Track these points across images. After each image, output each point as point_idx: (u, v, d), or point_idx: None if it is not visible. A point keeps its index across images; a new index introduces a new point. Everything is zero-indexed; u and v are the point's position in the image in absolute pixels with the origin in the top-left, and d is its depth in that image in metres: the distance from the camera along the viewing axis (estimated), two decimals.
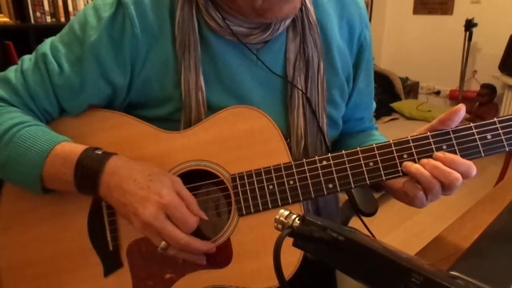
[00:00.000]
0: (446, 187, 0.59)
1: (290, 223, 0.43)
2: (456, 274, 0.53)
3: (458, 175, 0.57)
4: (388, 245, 0.41)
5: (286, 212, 0.44)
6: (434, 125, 0.62)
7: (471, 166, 0.58)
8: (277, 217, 0.44)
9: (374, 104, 0.90)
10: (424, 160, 0.60)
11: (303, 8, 0.71)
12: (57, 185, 0.63)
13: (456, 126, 0.61)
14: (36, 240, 0.67)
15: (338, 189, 0.63)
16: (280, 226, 0.44)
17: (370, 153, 0.62)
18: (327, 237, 0.41)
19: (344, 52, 0.76)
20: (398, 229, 2.27)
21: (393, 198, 0.68)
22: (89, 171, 0.60)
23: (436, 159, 0.59)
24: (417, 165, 0.60)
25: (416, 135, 0.62)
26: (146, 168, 0.61)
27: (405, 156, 0.61)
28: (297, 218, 0.43)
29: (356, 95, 0.81)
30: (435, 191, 0.59)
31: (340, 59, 0.76)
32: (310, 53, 0.71)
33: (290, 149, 0.67)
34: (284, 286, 0.40)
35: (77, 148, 0.62)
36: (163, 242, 0.58)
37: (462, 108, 0.59)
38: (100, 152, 0.61)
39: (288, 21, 0.70)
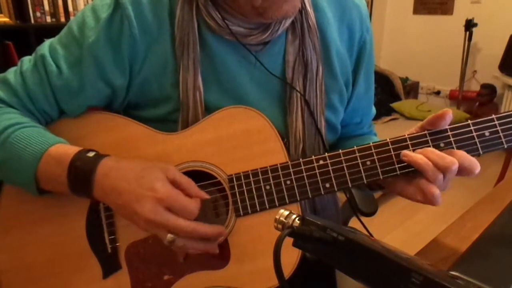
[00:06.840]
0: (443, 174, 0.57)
1: (290, 223, 0.43)
2: (456, 274, 0.53)
3: (454, 159, 0.56)
4: (388, 245, 0.40)
5: (286, 212, 0.44)
6: (424, 126, 0.61)
7: (475, 163, 0.57)
8: (277, 217, 0.44)
9: (374, 110, 0.89)
10: (419, 150, 0.58)
11: (303, 11, 0.70)
12: (52, 186, 0.63)
13: (454, 123, 0.60)
14: (36, 243, 0.66)
15: (335, 189, 0.62)
16: (280, 226, 0.44)
17: (367, 152, 0.61)
18: (327, 237, 0.41)
19: (343, 57, 0.76)
20: (398, 229, 2.27)
21: (393, 198, 0.68)
22: (81, 172, 0.59)
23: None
24: (419, 155, 0.57)
25: (413, 133, 0.61)
26: (137, 165, 0.61)
27: None
28: (297, 218, 0.43)
29: (355, 100, 0.81)
30: (439, 181, 0.57)
31: (339, 64, 0.75)
32: (309, 56, 0.71)
33: (287, 150, 0.67)
34: (284, 286, 0.40)
35: (71, 150, 0.62)
36: (169, 235, 0.57)
37: (448, 113, 0.58)
38: (92, 154, 0.61)
39: (287, 23, 0.69)
